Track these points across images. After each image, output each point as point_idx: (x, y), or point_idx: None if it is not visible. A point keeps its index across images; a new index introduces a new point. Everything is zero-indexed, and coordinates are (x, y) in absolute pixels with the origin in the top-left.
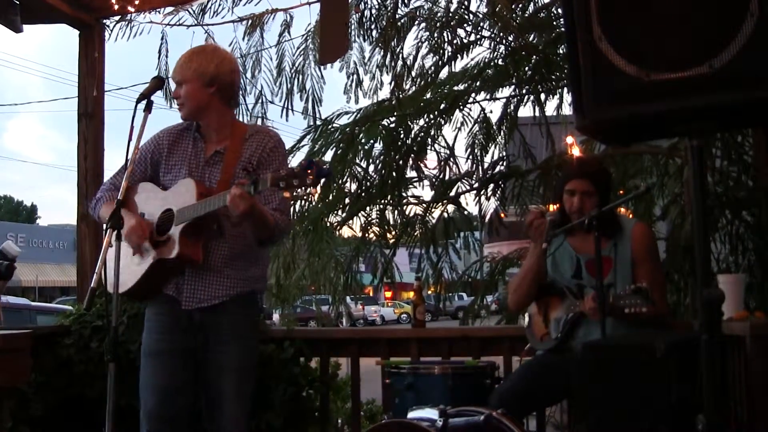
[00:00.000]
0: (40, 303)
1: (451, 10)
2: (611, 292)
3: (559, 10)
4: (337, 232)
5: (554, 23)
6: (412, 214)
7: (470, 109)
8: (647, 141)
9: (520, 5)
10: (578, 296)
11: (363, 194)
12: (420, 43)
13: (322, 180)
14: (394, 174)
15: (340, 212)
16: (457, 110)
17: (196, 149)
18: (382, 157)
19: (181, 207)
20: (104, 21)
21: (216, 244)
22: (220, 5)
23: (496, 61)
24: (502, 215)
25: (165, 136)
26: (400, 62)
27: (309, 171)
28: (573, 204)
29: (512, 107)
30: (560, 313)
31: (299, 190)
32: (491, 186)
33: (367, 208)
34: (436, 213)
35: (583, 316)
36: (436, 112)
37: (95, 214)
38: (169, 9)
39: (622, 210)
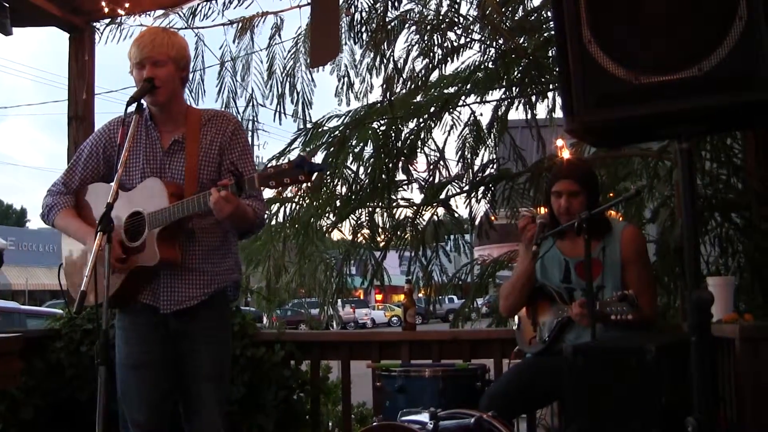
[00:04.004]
0: (30, 306)
1: (442, 13)
2: (599, 296)
3: (549, 13)
4: (328, 235)
5: (544, 26)
6: (402, 216)
7: (460, 112)
8: (637, 143)
9: (510, 8)
10: (567, 301)
11: (353, 197)
12: (410, 46)
13: (314, 175)
14: (384, 177)
15: (330, 215)
16: (447, 113)
17: (150, 139)
18: (372, 160)
19: (152, 210)
20: (94, 24)
21: (189, 242)
22: (210, 8)
23: (486, 64)
24: (493, 218)
25: (114, 128)
26: (390, 65)
27: (301, 168)
28: (560, 205)
29: (502, 110)
30: (549, 318)
31: (291, 187)
32: (481, 189)
33: (357, 211)
34: (427, 216)
35: (571, 320)
36: (426, 115)
37: (49, 221)
38: (159, 12)
39: (612, 213)
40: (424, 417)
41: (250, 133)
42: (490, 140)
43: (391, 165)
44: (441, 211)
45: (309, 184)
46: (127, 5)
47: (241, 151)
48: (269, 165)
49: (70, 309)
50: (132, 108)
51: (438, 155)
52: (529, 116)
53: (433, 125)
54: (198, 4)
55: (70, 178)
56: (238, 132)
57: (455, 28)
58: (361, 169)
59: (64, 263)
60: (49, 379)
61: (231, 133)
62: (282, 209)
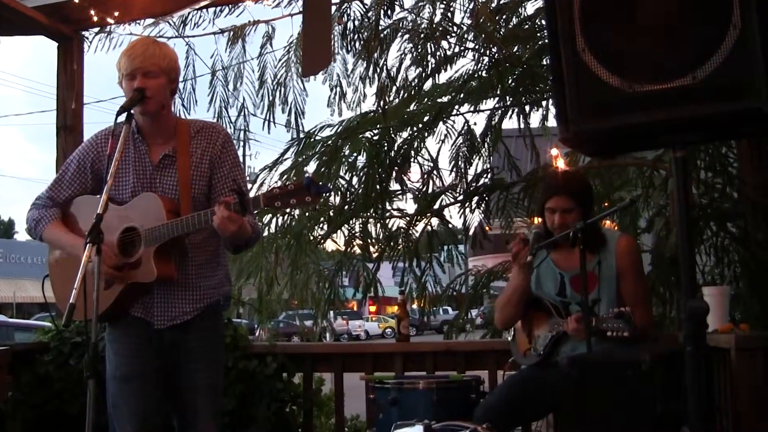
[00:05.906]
0: (18, 319)
1: (435, 21)
2: (595, 309)
3: (543, 22)
4: (321, 246)
5: (538, 35)
6: (395, 227)
7: (454, 122)
8: (632, 152)
9: (504, 17)
10: (563, 314)
11: (346, 207)
12: (403, 55)
13: (321, 197)
14: (377, 187)
15: (324, 225)
16: (441, 122)
17: (138, 153)
18: (365, 170)
19: (150, 226)
20: (83, 33)
21: (181, 258)
22: (200, 17)
23: (479, 72)
24: (487, 228)
25: (102, 140)
26: (383, 74)
27: (308, 190)
28: (554, 222)
29: (496, 119)
30: (544, 331)
31: (296, 208)
32: (475, 199)
33: (351, 222)
34: (420, 226)
35: (566, 334)
36: (419, 125)
37: (37, 235)
38: (149, 21)
39: (607, 223)
40: (418, 429)
41: (241, 143)
42: (484, 150)
43: (384, 175)
44: (435, 221)
45: (317, 206)
46: (116, 14)
47: (232, 165)
48: (275, 186)
49: (59, 322)
50: (122, 118)
51: (432, 165)
52: (523, 125)
53: (426, 134)
54: (188, 13)
55: (57, 193)
56: (227, 145)
57: (449, 36)
58: (354, 179)
59: (50, 274)
60: (38, 393)
61: (221, 146)
62: (274, 220)
